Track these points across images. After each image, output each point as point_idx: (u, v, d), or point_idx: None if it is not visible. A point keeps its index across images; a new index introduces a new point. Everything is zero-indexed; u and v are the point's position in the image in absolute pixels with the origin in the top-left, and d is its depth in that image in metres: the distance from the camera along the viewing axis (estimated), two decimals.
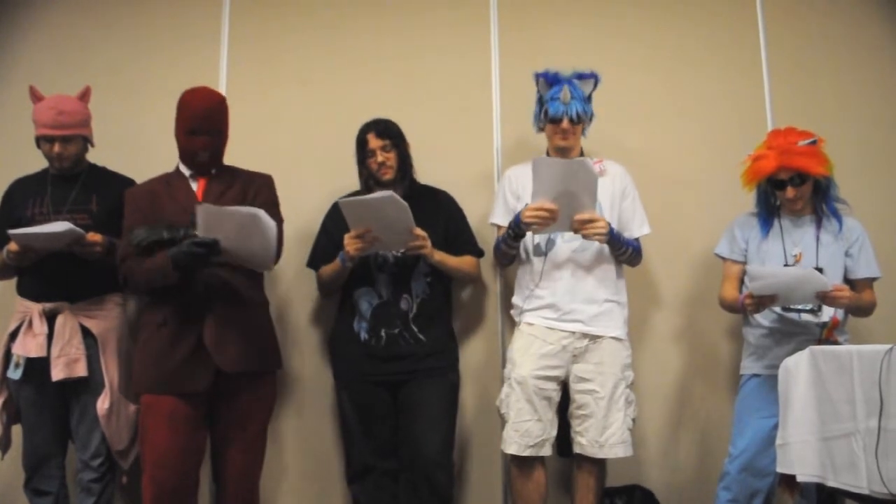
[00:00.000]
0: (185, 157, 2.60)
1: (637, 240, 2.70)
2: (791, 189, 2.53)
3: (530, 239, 2.65)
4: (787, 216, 2.63)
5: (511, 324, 2.83)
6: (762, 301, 2.43)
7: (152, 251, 2.41)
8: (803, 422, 2.14)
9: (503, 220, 2.71)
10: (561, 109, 2.61)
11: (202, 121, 2.52)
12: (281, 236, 2.55)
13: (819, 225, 2.59)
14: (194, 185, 2.60)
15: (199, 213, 2.31)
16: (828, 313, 2.50)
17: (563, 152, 2.65)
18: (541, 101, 2.70)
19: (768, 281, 2.39)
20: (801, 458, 2.14)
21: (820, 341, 2.45)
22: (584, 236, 2.50)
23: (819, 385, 2.13)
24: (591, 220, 2.47)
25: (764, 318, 2.58)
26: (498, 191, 2.82)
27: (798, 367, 2.20)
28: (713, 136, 2.91)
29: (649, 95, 3.11)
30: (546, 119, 2.66)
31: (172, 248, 2.36)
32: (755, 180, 2.58)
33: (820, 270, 2.46)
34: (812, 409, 2.13)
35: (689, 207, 3.02)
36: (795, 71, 3.16)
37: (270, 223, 2.29)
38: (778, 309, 2.53)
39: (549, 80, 2.68)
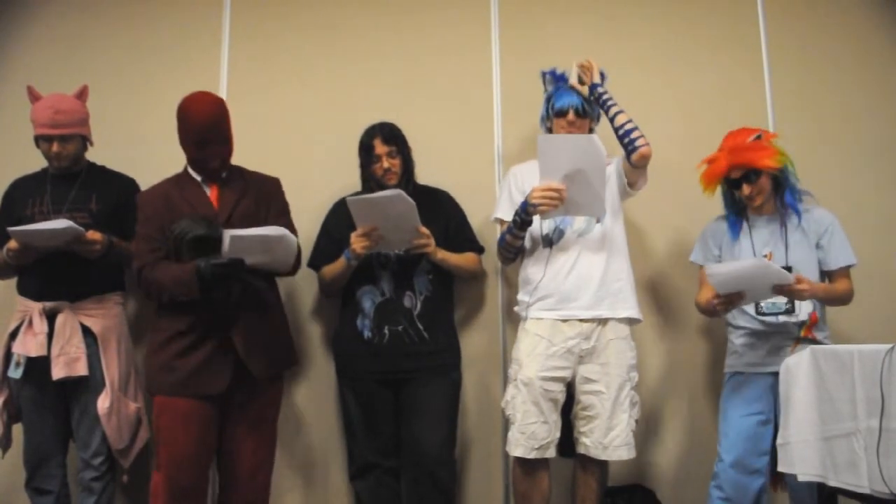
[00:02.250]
0: (194, 165, 2.59)
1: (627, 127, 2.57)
2: (746, 186, 2.53)
3: (538, 229, 2.62)
4: (754, 215, 2.62)
5: (512, 320, 2.82)
6: (731, 300, 2.40)
7: (197, 249, 2.38)
8: (804, 421, 2.14)
9: (507, 215, 2.67)
10: (567, 102, 2.61)
11: (209, 131, 2.49)
12: (298, 247, 2.60)
13: (783, 223, 2.57)
14: (207, 190, 2.58)
15: (226, 240, 2.31)
16: (805, 311, 2.49)
17: None
18: (547, 99, 2.69)
19: (726, 277, 2.35)
20: (801, 457, 2.14)
21: (799, 340, 2.47)
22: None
23: (820, 384, 2.13)
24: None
25: (743, 321, 2.57)
26: (502, 187, 2.80)
27: (799, 367, 2.20)
28: (715, 134, 2.87)
29: (650, 93, 3.10)
30: (553, 113, 2.65)
31: (199, 262, 2.35)
32: (712, 183, 2.60)
33: (789, 269, 2.44)
34: (813, 409, 2.13)
35: (689, 206, 2.99)
36: (797, 68, 3.15)
37: (294, 240, 2.40)
38: (752, 312, 2.52)
39: (556, 78, 2.69)
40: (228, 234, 2.31)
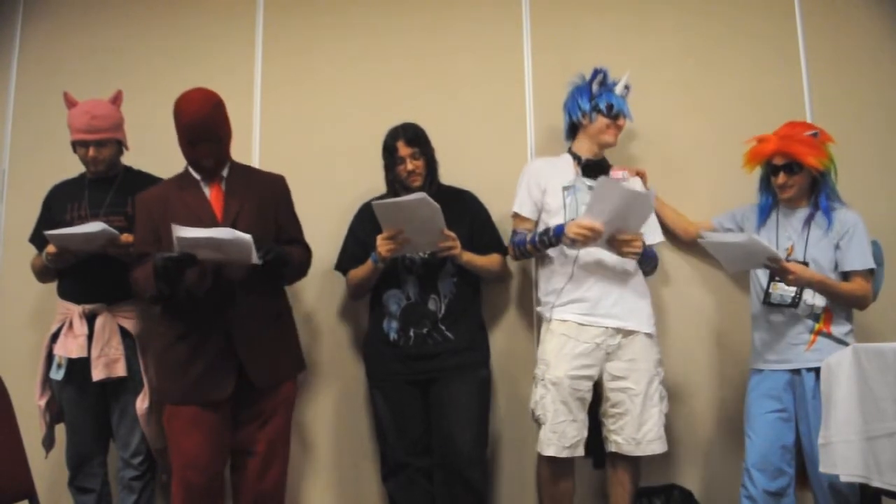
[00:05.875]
0: (190, 164, 2.58)
1: (652, 248, 2.68)
2: (783, 175, 2.55)
3: None
4: (784, 208, 2.63)
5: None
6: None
7: (167, 269, 2.37)
8: (846, 421, 2.10)
9: (526, 210, 2.70)
10: (622, 106, 2.66)
11: (200, 131, 2.46)
12: (308, 255, 2.67)
13: (810, 220, 2.57)
14: (206, 190, 2.56)
15: (178, 241, 2.31)
16: (819, 304, 2.49)
17: (606, 149, 2.72)
18: (590, 93, 2.67)
19: (719, 245, 2.46)
20: (844, 457, 2.10)
21: (817, 334, 2.48)
22: (620, 254, 2.49)
23: (862, 383, 2.08)
24: (631, 240, 2.47)
25: (759, 313, 2.60)
26: (521, 181, 2.76)
27: (840, 366, 2.16)
28: (747, 135, 2.82)
29: (681, 92, 3.04)
30: (607, 112, 2.65)
31: (155, 257, 2.37)
32: (753, 161, 2.62)
33: (806, 265, 2.47)
34: (855, 409, 2.09)
35: (720, 206, 2.91)
36: (835, 65, 3.05)
37: (245, 238, 2.30)
38: (758, 301, 2.56)
39: (607, 81, 2.69)
40: (176, 232, 2.31)
